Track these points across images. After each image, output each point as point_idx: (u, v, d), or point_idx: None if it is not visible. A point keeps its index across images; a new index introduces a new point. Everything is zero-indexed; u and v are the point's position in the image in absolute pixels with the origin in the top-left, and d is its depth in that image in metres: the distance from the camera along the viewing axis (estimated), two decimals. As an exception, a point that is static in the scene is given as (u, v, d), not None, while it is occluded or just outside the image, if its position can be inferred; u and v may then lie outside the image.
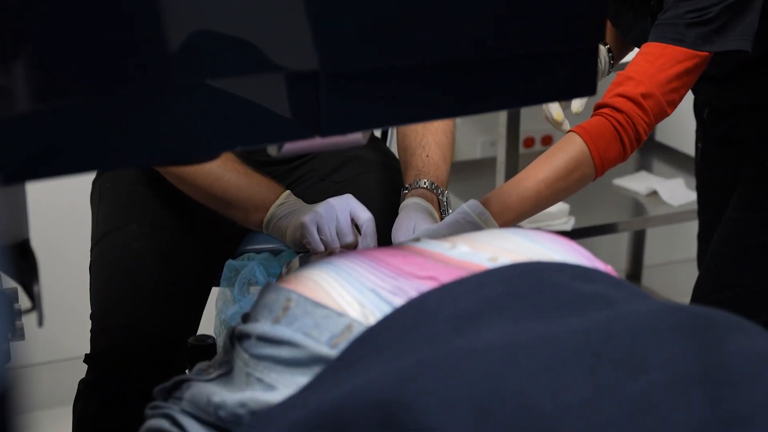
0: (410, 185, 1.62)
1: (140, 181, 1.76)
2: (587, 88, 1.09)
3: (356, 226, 1.51)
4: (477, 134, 3.09)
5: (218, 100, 0.90)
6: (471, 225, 1.46)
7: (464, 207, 1.48)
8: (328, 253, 1.36)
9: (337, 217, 1.49)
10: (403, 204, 1.59)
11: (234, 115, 0.92)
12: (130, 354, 1.61)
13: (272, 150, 1.01)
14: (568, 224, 2.59)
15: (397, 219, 1.55)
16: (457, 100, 1.04)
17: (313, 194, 1.74)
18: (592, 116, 1.55)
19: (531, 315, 0.89)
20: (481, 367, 0.80)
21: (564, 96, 1.21)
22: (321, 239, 1.47)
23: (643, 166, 3.03)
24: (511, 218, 1.49)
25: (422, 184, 1.61)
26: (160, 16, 0.85)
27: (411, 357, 0.84)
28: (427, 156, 1.65)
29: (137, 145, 0.89)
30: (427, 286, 0.97)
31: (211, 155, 1.00)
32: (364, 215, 1.50)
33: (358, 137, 1.05)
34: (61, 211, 2.57)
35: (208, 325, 1.72)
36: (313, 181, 1.82)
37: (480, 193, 2.75)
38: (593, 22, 1.06)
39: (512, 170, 2.48)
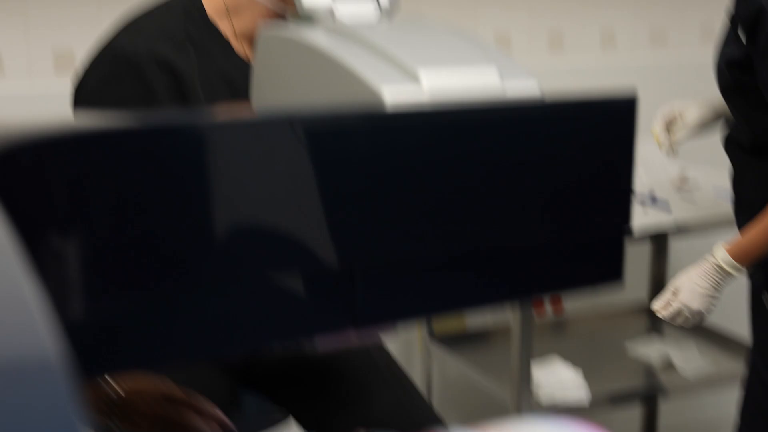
0: None
1: None
2: (614, 276, 1.11)
3: None
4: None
5: (254, 296, 0.92)
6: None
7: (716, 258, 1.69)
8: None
9: None
10: None
11: (269, 311, 0.93)
12: None
13: (311, 348, 1.02)
14: (583, 393, 2.57)
15: None
16: (485, 290, 1.06)
17: None
18: None
19: None
20: None
21: (590, 284, 1.23)
22: None
23: (655, 330, 3.04)
24: None
25: None
26: (200, 212, 0.87)
27: None
28: None
29: (170, 340, 0.90)
30: None
31: (245, 350, 1.01)
32: None
33: (389, 328, 1.06)
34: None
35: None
36: None
37: (493, 363, 2.76)
38: (619, 212, 1.08)
39: (527, 338, 2.48)
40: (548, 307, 3.14)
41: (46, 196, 0.76)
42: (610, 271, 1.13)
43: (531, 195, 1.04)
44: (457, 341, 2.91)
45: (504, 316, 3.07)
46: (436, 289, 1.03)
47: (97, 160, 0.78)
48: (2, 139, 0.71)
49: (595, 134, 1.05)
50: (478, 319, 3.09)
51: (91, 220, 0.81)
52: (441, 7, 2.92)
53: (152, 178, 0.82)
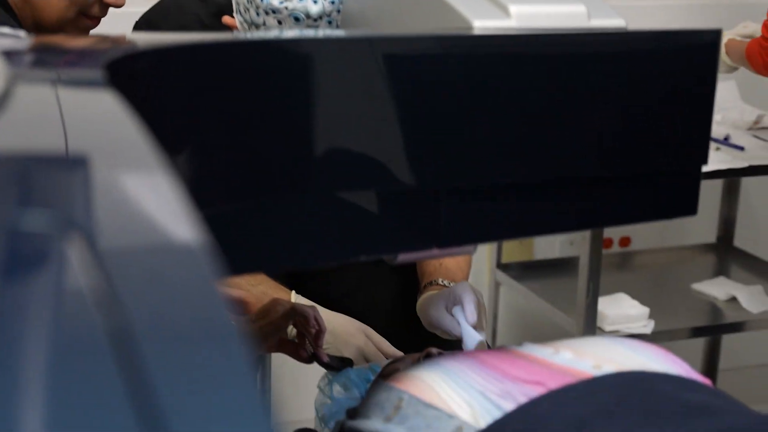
0: (426, 284, 1.59)
1: None
2: (688, 209, 1.14)
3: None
4: (556, 233, 3.14)
5: (346, 212, 0.97)
6: None
7: None
8: (426, 353, 1.41)
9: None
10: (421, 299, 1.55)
11: (360, 226, 0.99)
12: None
13: (390, 259, 1.07)
14: (648, 327, 2.61)
15: (424, 305, 1.52)
16: (564, 216, 1.10)
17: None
18: None
19: (640, 423, 0.93)
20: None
21: (664, 215, 1.26)
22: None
23: (722, 271, 3.05)
24: None
25: (439, 282, 1.58)
26: (297, 135, 0.92)
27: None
28: (440, 264, 1.62)
29: (269, 250, 0.96)
30: (534, 391, 1.01)
31: (333, 262, 1.07)
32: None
33: (470, 248, 1.11)
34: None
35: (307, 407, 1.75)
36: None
37: (560, 293, 2.80)
38: (698, 146, 1.12)
39: (595, 270, 2.52)
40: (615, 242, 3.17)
41: (161, 102, 0.81)
42: (684, 204, 1.16)
43: (612, 124, 1.07)
44: (525, 270, 2.95)
45: (571, 248, 3.10)
46: (514, 214, 1.07)
47: (206, 70, 0.83)
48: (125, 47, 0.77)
49: (679, 66, 1.08)
50: (545, 247, 3.13)
51: (199, 129, 0.86)
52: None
53: (254, 89, 0.87)
